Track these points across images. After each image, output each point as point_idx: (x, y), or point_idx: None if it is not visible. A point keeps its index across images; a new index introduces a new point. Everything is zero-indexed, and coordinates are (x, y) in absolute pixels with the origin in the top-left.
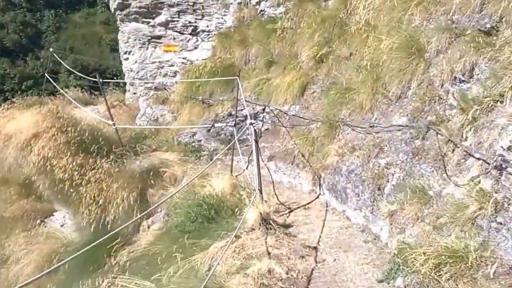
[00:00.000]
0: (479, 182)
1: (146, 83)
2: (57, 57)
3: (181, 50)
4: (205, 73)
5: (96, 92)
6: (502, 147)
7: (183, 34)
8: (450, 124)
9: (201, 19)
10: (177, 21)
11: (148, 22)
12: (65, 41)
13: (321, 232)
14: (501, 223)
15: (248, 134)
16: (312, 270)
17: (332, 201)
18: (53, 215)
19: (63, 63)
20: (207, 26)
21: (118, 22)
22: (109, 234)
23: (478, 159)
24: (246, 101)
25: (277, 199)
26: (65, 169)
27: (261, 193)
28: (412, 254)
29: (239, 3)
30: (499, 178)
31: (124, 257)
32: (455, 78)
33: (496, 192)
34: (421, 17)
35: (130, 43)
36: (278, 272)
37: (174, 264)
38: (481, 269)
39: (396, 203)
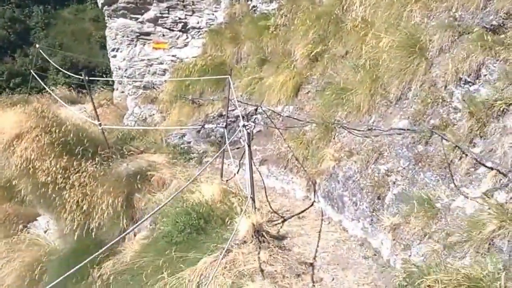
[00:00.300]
0: (492, 195)
1: (135, 81)
2: (43, 54)
3: (170, 48)
4: (195, 71)
5: (84, 90)
6: None
7: (172, 30)
8: (456, 128)
9: (191, 15)
10: (167, 17)
11: (137, 18)
12: (54, 37)
13: (317, 246)
14: None
15: (240, 137)
16: None
17: (328, 209)
18: (36, 219)
19: (49, 60)
20: (198, 23)
21: (106, 18)
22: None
23: (491, 168)
24: (237, 101)
25: (270, 207)
26: (48, 172)
27: (254, 202)
28: (424, 281)
29: None
30: None
31: (108, 270)
32: (460, 79)
33: None
34: (421, 13)
35: (118, 40)
36: None
37: (160, 280)
38: None
39: (398, 215)
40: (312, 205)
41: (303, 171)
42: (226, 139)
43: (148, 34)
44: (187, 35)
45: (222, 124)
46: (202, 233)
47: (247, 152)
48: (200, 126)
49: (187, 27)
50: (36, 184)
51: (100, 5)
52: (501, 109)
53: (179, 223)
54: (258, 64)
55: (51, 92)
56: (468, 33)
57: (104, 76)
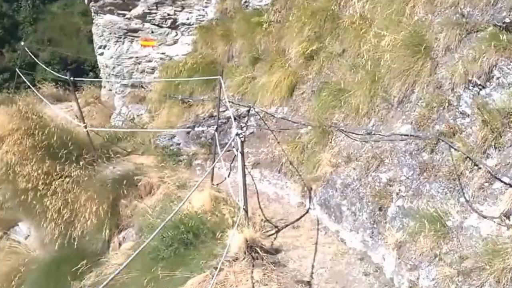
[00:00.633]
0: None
1: (122, 79)
2: (28, 51)
3: (159, 45)
4: (185, 70)
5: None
6: None
7: (161, 27)
8: (465, 135)
9: (181, 11)
10: (155, 13)
11: (124, 15)
12: (43, 32)
13: (314, 261)
14: None
15: (233, 146)
16: None
17: (324, 218)
18: (17, 225)
19: (34, 58)
20: (188, 19)
21: (92, 15)
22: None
23: (509, 185)
24: (229, 101)
25: (263, 215)
26: (29, 178)
27: (247, 213)
28: None
29: None
30: None
31: (90, 283)
32: (469, 81)
33: None
34: (425, 9)
35: (105, 37)
36: None
37: None
38: None
39: (403, 232)
40: (307, 212)
41: (298, 176)
42: (217, 143)
43: (136, 31)
44: (176, 32)
45: (213, 126)
46: (190, 248)
47: (239, 161)
48: (190, 128)
49: (177, 24)
50: (16, 190)
51: (86, 1)
52: None
53: (165, 238)
54: (250, 62)
55: (35, 90)
56: (477, 31)
57: (94, 71)
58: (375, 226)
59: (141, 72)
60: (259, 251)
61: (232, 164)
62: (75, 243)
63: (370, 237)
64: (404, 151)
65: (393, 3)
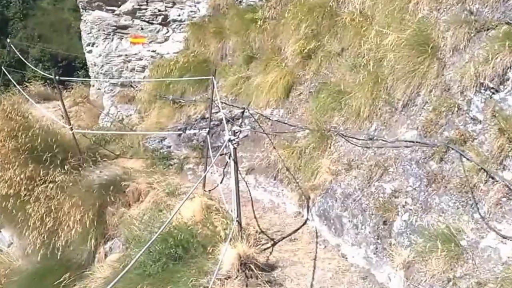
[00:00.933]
0: None
1: (111, 78)
2: (14, 48)
3: (150, 42)
4: (176, 69)
5: (60, 86)
6: None
7: (152, 24)
8: (478, 144)
9: (172, 7)
10: (145, 9)
11: (113, 11)
12: (33, 28)
13: (313, 279)
14: None
15: (225, 150)
16: None
17: (323, 230)
18: (0, 231)
19: (19, 55)
20: (179, 15)
21: (81, 11)
22: None
23: None
24: (222, 102)
25: (258, 226)
26: (10, 183)
27: (240, 226)
28: None
29: None
30: None
31: None
32: (481, 84)
33: None
34: (429, 6)
35: (93, 34)
36: None
37: None
38: None
39: (411, 250)
40: (305, 223)
41: (295, 183)
42: (209, 147)
43: (125, 27)
44: (167, 29)
45: (206, 129)
46: (180, 264)
47: (232, 170)
48: (181, 131)
49: (168, 20)
50: None
51: None
52: None
53: (153, 253)
54: (244, 61)
55: (20, 89)
56: (487, 29)
57: (85, 68)
58: (379, 241)
59: (130, 71)
60: (253, 268)
61: (225, 169)
62: (59, 254)
63: (374, 253)
64: (410, 159)
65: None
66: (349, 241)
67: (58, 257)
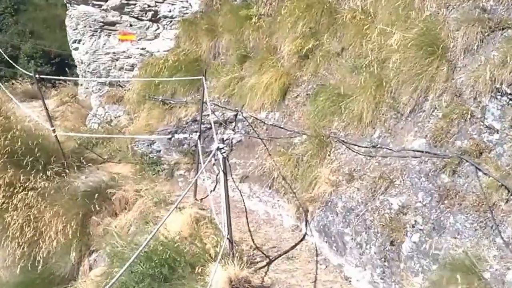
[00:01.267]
0: None
1: (99, 77)
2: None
3: (139, 40)
4: (165, 68)
5: (48, 84)
6: None
7: (141, 20)
8: (495, 156)
9: (162, 3)
10: (134, 4)
11: (100, 6)
12: (25, 24)
13: None
14: None
15: (213, 161)
16: None
17: (324, 248)
18: None
19: (2, 52)
20: (170, 11)
21: (67, 5)
22: None
23: None
24: (215, 104)
25: (253, 241)
26: None
27: (232, 244)
28: None
29: None
30: None
31: None
32: (497, 89)
33: None
34: (437, 3)
35: (79, 30)
36: None
37: None
38: None
39: (423, 277)
40: (303, 238)
41: (292, 193)
42: (200, 153)
43: (113, 24)
44: (157, 26)
45: (197, 132)
46: (165, 285)
47: (222, 182)
48: (170, 136)
49: (158, 16)
50: None
51: None
52: None
53: (135, 273)
54: (238, 61)
55: (2, 86)
56: (503, 28)
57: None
58: (386, 264)
59: (119, 70)
60: None
61: (218, 176)
62: (40, 266)
63: (381, 278)
64: (419, 171)
65: None
66: (352, 262)
67: (39, 270)
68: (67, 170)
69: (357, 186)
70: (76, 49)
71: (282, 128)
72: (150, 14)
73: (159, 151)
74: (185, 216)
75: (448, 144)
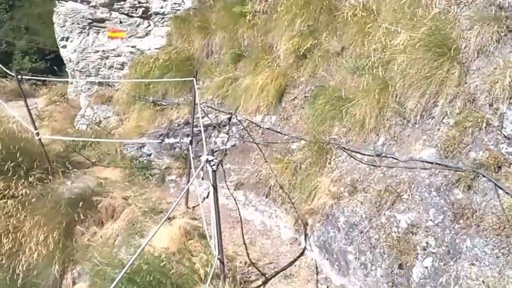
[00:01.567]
0: None
1: (88, 76)
2: None
3: (129, 37)
4: (156, 67)
5: (39, 83)
6: None
7: (131, 17)
8: None
9: None
10: (124, 0)
11: (89, 2)
12: (19, 20)
13: None
14: None
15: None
16: None
17: (325, 265)
18: None
19: None
20: (161, 8)
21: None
22: None
23: None
24: (208, 106)
25: (247, 256)
26: None
27: (223, 265)
28: None
29: None
30: None
31: None
32: None
33: None
34: (447, 0)
35: (67, 28)
36: None
37: None
38: None
39: None
40: (302, 253)
41: (290, 204)
42: (191, 159)
43: (102, 21)
44: (148, 23)
45: (188, 136)
46: None
47: (212, 197)
48: (161, 140)
49: (149, 13)
50: None
51: None
52: None
53: None
54: (232, 60)
55: None
56: None
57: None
58: None
59: (109, 68)
60: None
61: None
62: (19, 280)
63: None
64: (429, 185)
65: None
66: (356, 284)
67: (19, 284)
68: (51, 176)
69: (360, 199)
70: (64, 47)
71: (278, 132)
72: (140, 10)
73: (150, 154)
74: (174, 227)
75: (461, 155)
